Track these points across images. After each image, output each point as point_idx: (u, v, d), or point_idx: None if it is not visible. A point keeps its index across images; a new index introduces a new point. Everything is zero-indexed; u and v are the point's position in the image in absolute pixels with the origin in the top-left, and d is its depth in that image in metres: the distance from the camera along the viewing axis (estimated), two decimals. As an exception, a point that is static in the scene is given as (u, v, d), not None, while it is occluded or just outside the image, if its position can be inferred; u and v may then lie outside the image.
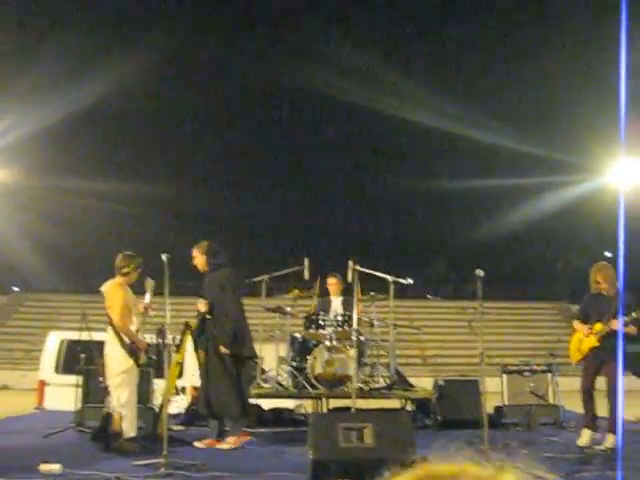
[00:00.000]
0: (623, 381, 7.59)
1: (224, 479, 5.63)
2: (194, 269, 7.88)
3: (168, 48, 35.87)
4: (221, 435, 7.58)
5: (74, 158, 36.18)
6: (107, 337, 7.24)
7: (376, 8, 41.16)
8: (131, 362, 7.04)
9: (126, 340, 7.05)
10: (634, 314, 7.22)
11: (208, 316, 7.59)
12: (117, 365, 7.05)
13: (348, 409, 7.76)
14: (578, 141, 32.40)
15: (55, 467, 5.90)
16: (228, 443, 7.32)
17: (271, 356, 10.08)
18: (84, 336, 8.66)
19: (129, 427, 7.01)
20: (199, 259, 7.81)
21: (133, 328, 7.19)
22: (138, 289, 7.48)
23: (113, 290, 7.19)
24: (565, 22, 36.35)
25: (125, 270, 7.20)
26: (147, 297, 7.27)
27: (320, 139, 43.57)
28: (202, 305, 7.61)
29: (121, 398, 7.01)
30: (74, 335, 10.21)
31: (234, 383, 7.56)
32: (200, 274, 7.90)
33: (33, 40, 34.86)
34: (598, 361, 7.48)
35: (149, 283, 7.25)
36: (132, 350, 7.04)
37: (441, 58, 40.84)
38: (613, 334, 7.27)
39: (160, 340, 7.16)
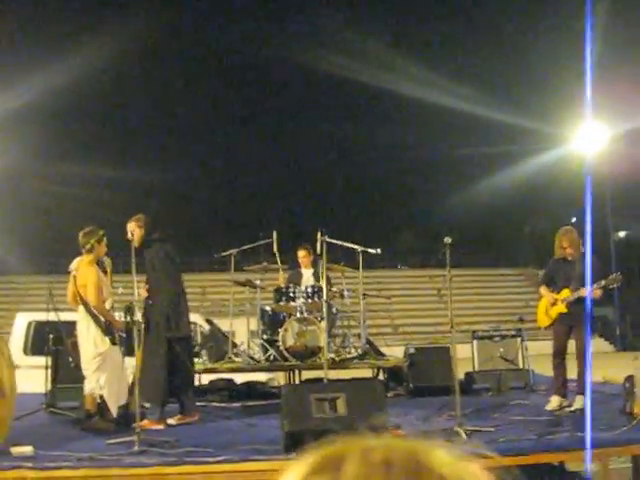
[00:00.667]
0: (591, 344, 7.70)
1: (198, 454, 5.61)
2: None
3: (156, 26, 35.36)
4: (183, 410, 7.50)
5: (40, 142, 35.64)
6: (79, 318, 7.12)
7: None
8: (107, 343, 6.94)
9: (101, 319, 6.96)
10: (603, 282, 7.31)
11: (149, 301, 7.41)
12: (93, 348, 6.94)
13: (320, 380, 7.78)
14: (544, 108, 32.64)
15: (27, 449, 5.84)
16: (144, 425, 6.80)
17: (242, 330, 10.08)
18: (52, 317, 8.55)
19: (112, 407, 6.96)
20: (137, 233, 7.38)
21: (107, 306, 7.11)
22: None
23: (84, 268, 7.06)
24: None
25: (88, 246, 7.06)
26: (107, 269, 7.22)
27: (290, 108, 43.36)
28: (143, 291, 7.37)
29: (100, 380, 6.94)
30: (42, 316, 10.09)
31: (160, 367, 7.32)
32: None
33: (10, 23, 34.08)
34: (567, 326, 7.58)
35: (107, 260, 7.20)
36: (108, 329, 6.95)
37: (418, 27, 40.75)
38: (581, 300, 7.37)
39: (129, 318, 7.08)
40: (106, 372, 6.96)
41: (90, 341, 6.97)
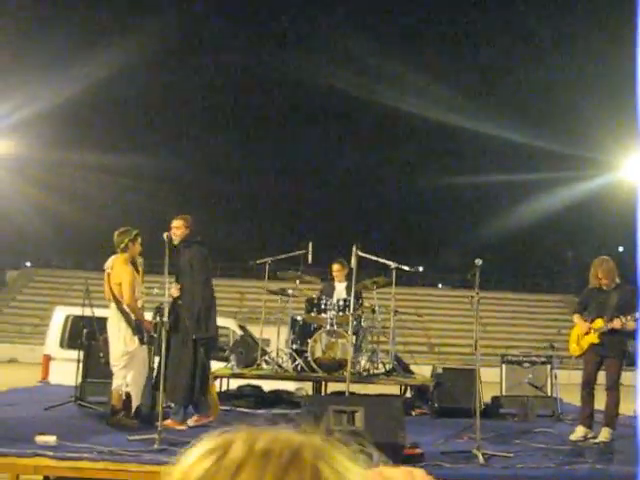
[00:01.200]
0: (623, 376, 7.60)
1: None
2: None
3: (175, 29, 35.90)
4: (198, 411, 7.55)
5: (86, 133, 36.37)
6: (110, 315, 7.26)
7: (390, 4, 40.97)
8: (136, 342, 7.05)
9: (132, 318, 7.08)
10: (638, 314, 7.23)
11: (179, 301, 7.44)
12: (123, 345, 7.07)
13: (344, 393, 7.81)
14: (592, 136, 32.27)
15: (50, 439, 5.98)
16: (167, 425, 6.96)
17: (273, 338, 10.15)
18: (87, 312, 8.73)
19: (133, 406, 7.09)
20: (182, 232, 7.50)
21: (139, 305, 7.24)
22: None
23: (119, 267, 7.20)
24: (580, 16, 36.07)
25: (122, 245, 7.20)
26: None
27: (331, 128, 43.53)
28: (175, 290, 7.41)
29: (127, 377, 7.07)
30: (79, 311, 10.30)
31: (186, 368, 7.41)
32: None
33: (44, 18, 34.91)
34: (598, 357, 7.50)
35: (139, 260, 7.35)
36: (138, 329, 7.06)
37: (456, 54, 40.67)
38: (613, 331, 7.31)
39: (159, 318, 7.20)
40: (133, 370, 7.09)
41: (120, 339, 7.10)
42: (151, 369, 7.70)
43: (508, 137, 35.12)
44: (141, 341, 7.11)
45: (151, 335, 7.86)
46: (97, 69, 32.83)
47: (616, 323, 7.29)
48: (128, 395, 7.09)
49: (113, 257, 7.34)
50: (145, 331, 7.18)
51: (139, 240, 7.36)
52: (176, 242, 7.46)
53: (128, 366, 7.08)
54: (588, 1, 34.45)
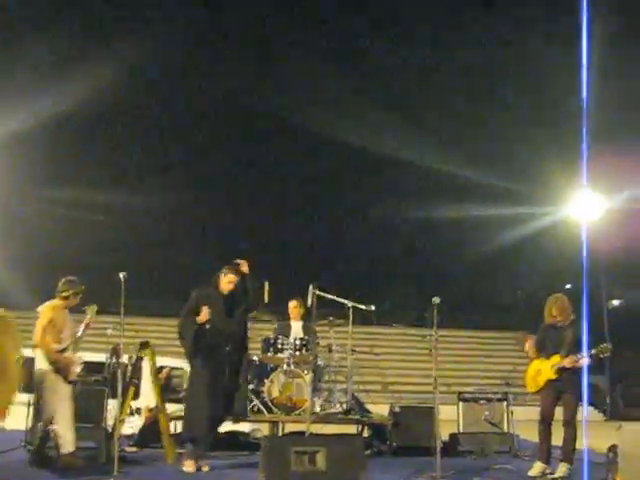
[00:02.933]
0: (579, 412, 7.67)
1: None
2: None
3: (151, 53, 35.69)
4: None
5: (48, 166, 35.70)
6: (35, 354, 7.31)
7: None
8: (58, 379, 7.09)
9: (54, 359, 7.11)
10: (593, 350, 7.33)
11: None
12: (45, 383, 7.12)
13: (303, 434, 7.73)
14: (539, 173, 32.90)
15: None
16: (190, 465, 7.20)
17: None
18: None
19: (65, 443, 6.99)
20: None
21: (61, 346, 7.19)
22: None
23: (43, 310, 7.30)
24: (528, 53, 36.97)
25: (64, 294, 7.34)
26: (86, 319, 7.39)
27: (282, 161, 43.67)
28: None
29: (54, 414, 7.05)
30: (31, 352, 10.06)
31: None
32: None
33: (10, 42, 34.38)
34: (555, 392, 7.57)
35: (91, 308, 7.39)
36: (57, 369, 7.09)
37: (410, 89, 41.24)
38: (569, 367, 7.40)
39: (114, 359, 7.10)
40: (59, 407, 7.04)
41: (40, 375, 7.18)
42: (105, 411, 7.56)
43: (459, 173, 35.63)
44: (65, 379, 7.11)
45: (104, 376, 7.78)
46: (62, 101, 32.34)
47: (567, 361, 7.39)
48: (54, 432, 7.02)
49: (48, 302, 7.39)
50: (67, 370, 7.14)
51: (80, 296, 7.43)
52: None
53: (52, 402, 7.06)
54: (537, 38, 35.31)
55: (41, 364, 7.14)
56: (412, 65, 40.91)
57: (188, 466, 7.26)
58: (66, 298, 7.33)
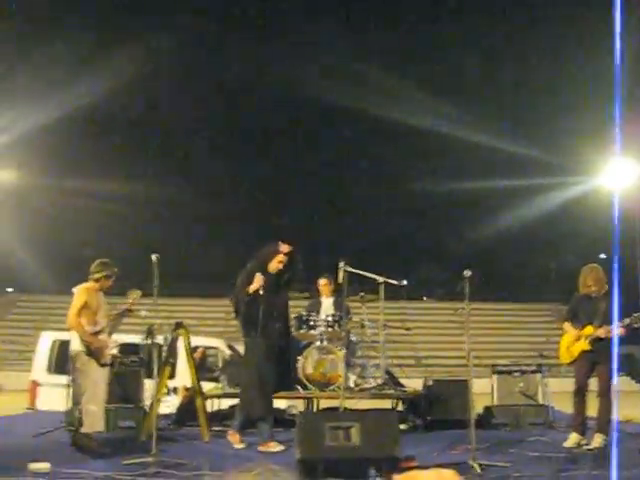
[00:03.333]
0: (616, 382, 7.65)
1: (212, 478, 5.66)
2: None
3: (166, 49, 35.87)
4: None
5: (69, 158, 36.13)
6: (70, 336, 7.35)
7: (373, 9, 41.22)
8: (90, 361, 7.11)
9: (86, 341, 7.13)
10: (627, 320, 7.28)
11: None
12: (75, 364, 7.15)
13: (337, 409, 7.79)
14: (572, 143, 32.50)
15: (44, 466, 5.93)
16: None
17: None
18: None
19: (94, 424, 7.04)
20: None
21: (96, 328, 7.22)
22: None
23: (77, 292, 7.35)
24: (559, 23, 36.43)
25: (96, 276, 7.37)
26: (127, 304, 7.46)
27: (314, 139, 43.58)
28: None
29: (83, 395, 7.07)
30: (66, 335, 10.23)
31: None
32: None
33: (33, 39, 34.72)
34: (589, 363, 7.53)
35: (134, 292, 7.44)
36: (89, 351, 7.11)
37: (435, 59, 40.85)
38: (603, 337, 7.36)
39: (149, 340, 7.18)
40: (90, 389, 7.08)
41: (74, 356, 7.18)
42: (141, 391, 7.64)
43: (488, 145, 35.28)
44: (98, 362, 7.15)
45: (140, 357, 7.86)
46: (83, 95, 32.71)
47: (604, 331, 7.34)
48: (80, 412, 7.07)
49: (83, 284, 7.42)
50: (99, 352, 7.18)
51: (113, 279, 7.47)
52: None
53: (83, 385, 7.10)
54: (569, 8, 34.73)
55: (75, 345, 7.18)
56: (443, 35, 40.50)
57: (237, 442, 7.35)
58: (98, 280, 7.36)
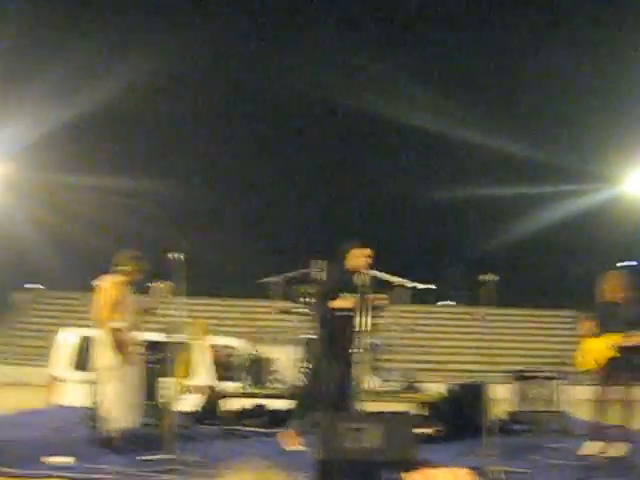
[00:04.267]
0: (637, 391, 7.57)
1: (229, 477, 5.66)
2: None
3: (178, 48, 36.04)
4: None
5: (95, 156, 36.45)
6: (98, 333, 7.26)
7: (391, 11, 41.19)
8: (117, 358, 7.00)
9: (116, 338, 7.03)
10: None
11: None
12: (103, 361, 7.06)
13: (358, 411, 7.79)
14: (595, 149, 32.27)
15: (67, 460, 5.98)
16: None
17: (283, 357, 10.15)
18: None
19: (114, 423, 6.95)
20: None
21: (123, 325, 7.12)
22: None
23: (106, 287, 7.18)
24: (583, 29, 36.16)
25: (127, 269, 7.21)
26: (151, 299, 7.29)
27: (328, 140, 43.61)
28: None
29: (106, 394, 7.01)
30: (91, 332, 10.30)
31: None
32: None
33: (47, 41, 35.07)
34: (615, 371, 7.45)
35: (157, 287, 7.22)
36: (118, 347, 7.01)
37: (460, 67, 40.74)
38: (630, 346, 7.28)
39: (169, 338, 7.19)
40: (111, 386, 7.00)
41: (100, 354, 7.12)
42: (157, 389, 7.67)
43: (510, 150, 35.14)
44: (124, 360, 7.04)
45: (158, 355, 7.89)
46: (99, 91, 33.00)
47: (630, 340, 7.26)
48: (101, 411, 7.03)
49: (107, 276, 7.27)
50: (124, 350, 7.07)
51: (144, 274, 7.35)
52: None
53: (106, 380, 7.03)
54: (590, 10, 34.49)
55: (100, 342, 7.09)
56: (459, 38, 40.35)
57: (293, 444, 7.34)
58: (125, 273, 7.18)
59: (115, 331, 7.04)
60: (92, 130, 36.41)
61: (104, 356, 7.06)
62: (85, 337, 11.62)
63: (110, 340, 7.02)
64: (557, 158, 33.97)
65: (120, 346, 7.02)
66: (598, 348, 7.56)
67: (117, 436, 6.95)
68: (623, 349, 7.33)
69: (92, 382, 8.18)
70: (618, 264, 24.35)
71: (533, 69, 39.85)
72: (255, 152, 42.69)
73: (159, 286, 7.23)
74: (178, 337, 7.50)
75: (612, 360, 7.42)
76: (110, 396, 6.99)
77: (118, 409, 6.99)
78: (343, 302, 7.24)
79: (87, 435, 7.65)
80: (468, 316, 33.58)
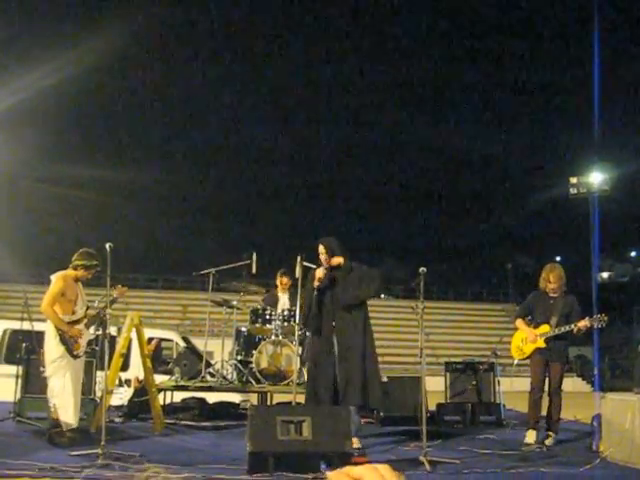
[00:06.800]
0: (564, 383, 7.72)
1: (160, 471, 5.59)
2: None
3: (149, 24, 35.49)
4: None
5: (27, 143, 35.56)
6: (45, 326, 7.18)
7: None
8: (61, 350, 6.92)
9: (59, 328, 6.95)
10: (587, 320, 7.34)
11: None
12: (48, 354, 6.98)
13: (290, 404, 7.77)
14: (549, 146, 32.96)
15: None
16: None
17: (217, 350, 10.06)
18: (26, 326, 8.52)
19: (66, 417, 6.86)
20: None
21: (72, 318, 7.05)
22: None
23: (55, 279, 7.13)
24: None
25: (75, 264, 7.15)
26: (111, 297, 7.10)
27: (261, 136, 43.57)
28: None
29: (54, 387, 6.92)
30: (17, 324, 10.04)
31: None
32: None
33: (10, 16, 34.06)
34: (543, 361, 7.56)
35: (119, 288, 7.25)
36: (62, 339, 6.93)
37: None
38: (558, 337, 7.43)
39: (101, 331, 7.06)
40: (60, 380, 6.91)
41: (47, 347, 7.02)
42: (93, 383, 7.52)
43: (464, 146, 35.69)
44: (69, 352, 6.95)
45: (92, 348, 7.75)
46: (55, 76, 32.14)
47: (558, 331, 7.40)
48: (54, 407, 6.89)
49: (61, 271, 7.21)
50: (70, 342, 6.98)
51: (92, 272, 7.26)
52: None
53: (55, 374, 6.93)
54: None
55: (47, 336, 6.99)
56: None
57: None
58: (76, 268, 7.13)
59: (60, 323, 6.95)
60: (35, 117, 35.55)
61: (48, 349, 6.97)
62: (13, 330, 11.33)
63: (56, 332, 6.93)
64: (499, 155, 34.55)
65: (65, 339, 6.93)
66: (524, 337, 7.69)
67: (61, 431, 6.82)
68: (550, 339, 7.47)
69: (17, 376, 8.01)
70: (557, 258, 24.91)
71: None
72: (204, 146, 42.35)
73: (121, 289, 7.27)
74: (111, 329, 7.33)
75: (539, 350, 7.55)
76: (60, 391, 6.87)
77: (68, 404, 6.88)
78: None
79: (14, 430, 7.46)
80: (402, 309, 33.94)
